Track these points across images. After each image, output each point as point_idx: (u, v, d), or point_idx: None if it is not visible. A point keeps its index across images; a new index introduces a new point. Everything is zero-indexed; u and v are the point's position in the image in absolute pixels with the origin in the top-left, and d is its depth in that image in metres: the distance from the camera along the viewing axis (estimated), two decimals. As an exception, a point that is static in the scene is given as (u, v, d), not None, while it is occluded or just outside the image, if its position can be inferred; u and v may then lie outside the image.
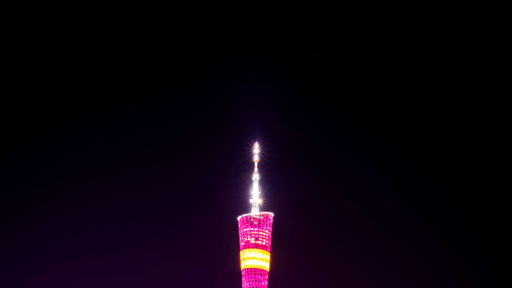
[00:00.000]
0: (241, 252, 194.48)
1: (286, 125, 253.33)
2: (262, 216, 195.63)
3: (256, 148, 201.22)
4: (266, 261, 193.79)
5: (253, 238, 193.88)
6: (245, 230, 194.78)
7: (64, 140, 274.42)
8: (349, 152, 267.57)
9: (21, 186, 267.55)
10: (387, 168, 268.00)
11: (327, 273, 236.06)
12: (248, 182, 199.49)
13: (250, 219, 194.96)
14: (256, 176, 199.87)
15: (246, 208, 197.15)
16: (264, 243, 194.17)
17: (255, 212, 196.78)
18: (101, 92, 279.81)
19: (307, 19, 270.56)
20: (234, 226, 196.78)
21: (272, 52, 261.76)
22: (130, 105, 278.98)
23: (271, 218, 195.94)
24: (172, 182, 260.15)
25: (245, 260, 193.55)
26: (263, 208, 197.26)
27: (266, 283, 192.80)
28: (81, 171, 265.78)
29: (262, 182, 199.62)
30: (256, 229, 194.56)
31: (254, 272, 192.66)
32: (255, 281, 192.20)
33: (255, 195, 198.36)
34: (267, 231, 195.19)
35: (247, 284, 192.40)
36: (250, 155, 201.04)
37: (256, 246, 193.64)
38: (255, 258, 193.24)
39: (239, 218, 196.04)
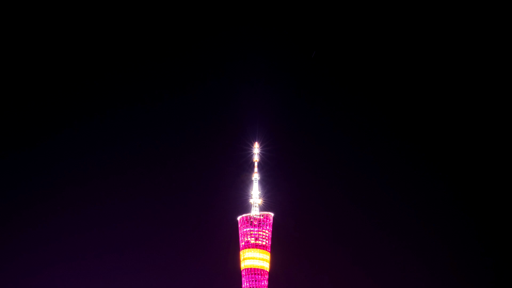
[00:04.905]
0: (241, 252, 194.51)
1: (286, 125, 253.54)
2: (262, 216, 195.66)
3: (256, 148, 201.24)
4: (266, 261, 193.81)
5: (253, 238, 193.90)
6: (245, 230, 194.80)
7: (64, 140, 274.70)
8: (349, 152, 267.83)
9: (21, 186, 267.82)
10: (387, 168, 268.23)
11: (327, 273, 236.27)
12: (248, 182, 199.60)
13: (250, 219, 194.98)
14: (256, 176, 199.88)
15: (246, 208, 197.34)
16: (264, 243, 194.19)
17: (255, 212, 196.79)
18: (101, 92, 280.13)
19: (307, 19, 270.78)
20: (234, 226, 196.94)
21: (272, 52, 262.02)
22: (130, 105, 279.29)
23: (271, 218, 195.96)
24: (172, 182, 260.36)
25: (245, 260, 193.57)
26: (263, 208, 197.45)
27: (266, 283, 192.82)
28: (81, 171, 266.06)
29: (262, 182, 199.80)
30: (256, 229, 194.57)
31: (254, 272, 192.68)
32: (255, 281, 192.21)
33: (255, 195, 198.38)
34: (267, 231, 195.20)
35: (247, 284, 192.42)
36: (250, 155, 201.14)
37: (256, 246, 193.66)
38: (255, 258, 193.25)
39: (239, 218, 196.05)
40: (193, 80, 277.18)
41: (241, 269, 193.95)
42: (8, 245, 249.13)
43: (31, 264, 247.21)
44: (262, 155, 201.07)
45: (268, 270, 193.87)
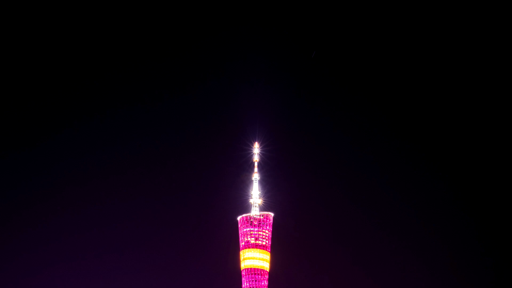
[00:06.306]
0: (241, 252, 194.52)
1: (286, 125, 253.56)
2: (262, 216, 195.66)
3: (256, 148, 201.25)
4: (266, 261, 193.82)
5: (253, 238, 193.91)
6: (245, 230, 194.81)
7: (64, 140, 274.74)
8: (349, 152, 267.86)
9: (21, 186, 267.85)
10: (387, 168, 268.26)
11: (327, 273, 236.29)
12: (248, 182, 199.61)
13: (250, 219, 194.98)
14: (256, 176, 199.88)
15: (246, 208, 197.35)
16: (264, 243, 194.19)
17: (255, 212, 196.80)
18: (101, 92, 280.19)
19: (307, 19, 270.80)
20: (234, 226, 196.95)
21: (272, 52, 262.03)
22: (130, 105, 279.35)
23: (271, 218, 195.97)
24: (172, 182, 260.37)
25: (245, 260, 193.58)
26: (263, 208, 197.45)
27: (266, 283, 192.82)
28: (81, 171, 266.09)
29: (262, 182, 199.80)
30: (256, 229, 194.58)
31: (254, 272, 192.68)
32: (255, 281, 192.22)
33: (255, 195, 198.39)
34: (267, 231, 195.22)
35: (247, 284, 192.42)
36: (250, 155, 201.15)
37: (256, 246, 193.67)
38: (255, 258, 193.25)
39: (239, 218, 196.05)
40: (193, 80, 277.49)
41: (241, 269, 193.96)
42: (8, 245, 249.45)
43: (31, 264, 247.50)
44: (262, 155, 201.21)
45: (268, 270, 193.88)
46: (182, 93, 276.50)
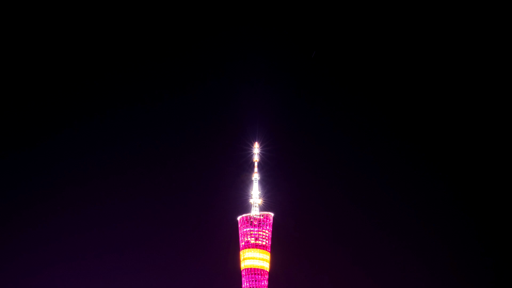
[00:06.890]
0: (241, 252, 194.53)
1: (286, 125, 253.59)
2: (262, 216, 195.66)
3: (256, 148, 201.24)
4: (266, 261, 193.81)
5: (253, 238, 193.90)
6: (245, 230, 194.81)
7: (64, 140, 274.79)
8: (349, 152, 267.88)
9: (21, 186, 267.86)
10: (387, 168, 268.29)
11: (327, 273, 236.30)
12: (248, 182, 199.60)
13: (250, 219, 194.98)
14: (256, 176, 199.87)
15: (246, 208, 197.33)
16: (264, 243, 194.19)
17: (255, 212, 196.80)
18: (101, 92, 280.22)
19: (307, 19, 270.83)
20: (234, 226, 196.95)
21: (272, 52, 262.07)
22: (130, 105, 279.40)
23: (271, 218, 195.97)
24: (172, 182, 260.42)
25: (245, 260, 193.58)
26: (263, 208, 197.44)
27: (266, 283, 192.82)
28: (81, 171, 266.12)
29: (262, 182, 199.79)
30: (256, 229, 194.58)
31: (254, 272, 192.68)
32: (255, 281, 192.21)
33: (255, 195, 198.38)
34: (267, 231, 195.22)
35: (247, 284, 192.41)
36: (250, 155, 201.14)
37: (256, 246, 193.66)
38: (255, 258, 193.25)
39: (239, 218, 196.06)
40: (193, 80, 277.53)
41: (241, 269, 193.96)
42: (8, 245, 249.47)
43: (31, 264, 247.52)
44: (262, 155, 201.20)
45: (268, 270, 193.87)
46: (182, 93, 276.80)
